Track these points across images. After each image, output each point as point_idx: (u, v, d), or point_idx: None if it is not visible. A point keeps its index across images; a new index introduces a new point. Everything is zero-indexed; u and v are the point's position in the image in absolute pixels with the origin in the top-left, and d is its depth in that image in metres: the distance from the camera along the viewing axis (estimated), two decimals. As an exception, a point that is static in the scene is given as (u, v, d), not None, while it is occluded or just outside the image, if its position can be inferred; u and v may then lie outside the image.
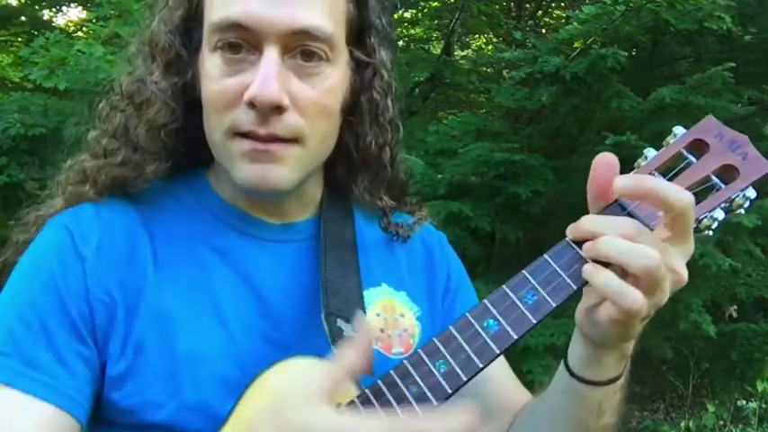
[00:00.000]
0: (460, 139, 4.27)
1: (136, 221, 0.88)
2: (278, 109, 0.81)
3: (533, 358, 3.40)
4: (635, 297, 0.71)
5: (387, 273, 0.98)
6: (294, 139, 0.84)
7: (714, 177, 0.78)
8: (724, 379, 4.84)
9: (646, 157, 0.81)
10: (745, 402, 4.41)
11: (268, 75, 0.80)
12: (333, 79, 0.86)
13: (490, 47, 7.09)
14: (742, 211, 0.80)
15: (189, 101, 0.89)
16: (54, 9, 6.07)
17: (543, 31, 6.59)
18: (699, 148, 0.80)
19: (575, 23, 3.95)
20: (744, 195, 0.78)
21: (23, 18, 5.71)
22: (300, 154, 0.85)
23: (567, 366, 0.84)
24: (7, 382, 0.77)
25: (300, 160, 0.86)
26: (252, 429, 0.66)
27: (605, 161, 0.76)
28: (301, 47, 0.82)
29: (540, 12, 7.02)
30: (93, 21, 3.69)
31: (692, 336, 4.31)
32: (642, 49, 4.95)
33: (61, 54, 3.11)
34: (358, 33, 0.91)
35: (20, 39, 5.77)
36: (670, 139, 0.82)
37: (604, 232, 0.73)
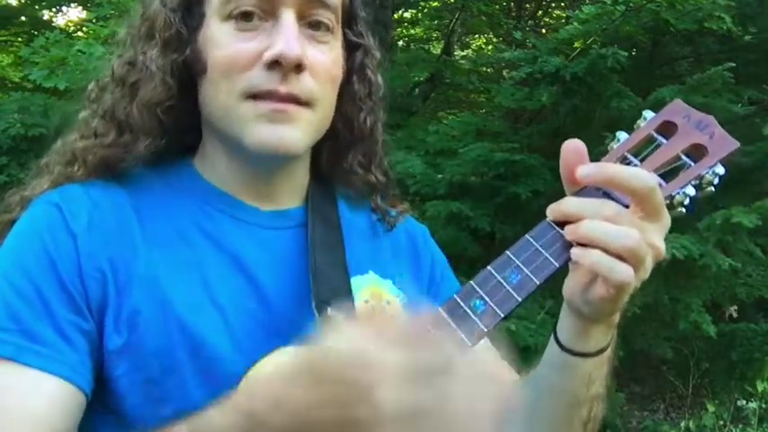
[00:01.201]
0: (460, 139, 4.27)
1: (125, 201, 0.88)
2: (298, 68, 0.84)
3: (533, 358, 3.39)
4: (625, 272, 0.74)
5: (373, 261, 0.99)
6: (307, 103, 0.87)
7: (683, 156, 0.82)
8: (724, 379, 4.84)
9: (618, 140, 0.84)
10: (745, 402, 4.41)
11: (291, 34, 0.84)
12: (337, 50, 0.92)
13: (490, 47, 7.10)
14: (712, 188, 0.83)
15: (182, 80, 0.90)
16: (54, 9, 6.08)
17: (543, 31, 6.60)
18: (668, 129, 0.83)
19: (575, 23, 3.96)
20: (713, 172, 0.81)
21: (23, 18, 5.72)
22: (312, 118, 0.88)
23: (557, 340, 0.87)
24: (11, 356, 0.76)
25: (312, 124, 0.89)
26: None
27: (572, 148, 0.80)
28: (312, 15, 0.87)
29: (540, 12, 7.02)
30: (93, 21, 3.70)
31: (692, 336, 4.31)
32: (642, 49, 4.96)
33: (61, 54, 3.11)
34: (348, 19, 0.96)
35: (20, 39, 5.78)
36: (640, 123, 0.85)
37: (584, 215, 0.76)
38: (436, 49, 6.73)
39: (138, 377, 0.81)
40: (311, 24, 0.88)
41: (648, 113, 0.85)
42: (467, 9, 5.60)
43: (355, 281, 0.93)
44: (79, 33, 5.35)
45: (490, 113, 5.56)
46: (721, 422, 4.42)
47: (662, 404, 5.22)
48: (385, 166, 1.06)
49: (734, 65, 3.76)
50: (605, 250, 0.74)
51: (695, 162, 0.81)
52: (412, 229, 1.09)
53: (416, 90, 5.68)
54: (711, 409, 4.43)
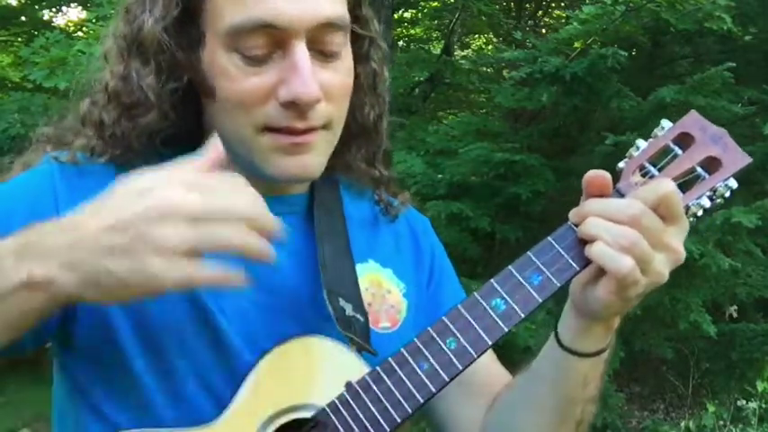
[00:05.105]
0: (460, 139, 4.28)
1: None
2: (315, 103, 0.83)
3: (533, 359, 3.39)
4: (626, 263, 0.76)
5: (373, 249, 1.00)
6: (325, 126, 0.86)
7: (699, 168, 0.84)
8: (724, 379, 4.84)
9: (637, 148, 0.87)
10: (745, 402, 4.40)
11: (307, 73, 0.81)
12: (348, 59, 0.88)
13: (490, 47, 7.10)
14: (722, 200, 0.87)
15: (179, 101, 0.87)
16: (54, 9, 6.09)
17: (543, 31, 6.61)
18: (684, 140, 0.85)
19: (575, 23, 3.95)
20: (726, 185, 0.84)
21: (23, 18, 5.73)
22: (328, 138, 0.88)
23: (557, 339, 0.88)
24: None
25: (328, 143, 0.88)
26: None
27: (597, 182, 0.81)
28: (324, 37, 0.83)
29: (540, 12, 7.03)
30: (93, 21, 3.70)
31: (692, 336, 4.31)
32: (642, 49, 4.96)
33: (61, 54, 3.11)
34: (353, 8, 0.92)
35: (20, 39, 5.78)
36: (658, 132, 0.87)
37: (594, 213, 0.79)
38: (436, 49, 6.73)
39: (140, 332, 0.82)
40: (324, 42, 0.84)
41: (666, 123, 0.87)
42: (467, 9, 5.60)
43: (356, 268, 0.94)
44: (79, 33, 5.36)
45: (490, 113, 5.57)
46: (721, 422, 4.42)
47: (662, 404, 5.22)
48: (388, 160, 1.05)
49: (734, 65, 3.76)
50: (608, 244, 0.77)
51: (710, 174, 0.84)
52: (413, 219, 1.09)
53: (416, 90, 5.69)
54: (711, 409, 4.43)
